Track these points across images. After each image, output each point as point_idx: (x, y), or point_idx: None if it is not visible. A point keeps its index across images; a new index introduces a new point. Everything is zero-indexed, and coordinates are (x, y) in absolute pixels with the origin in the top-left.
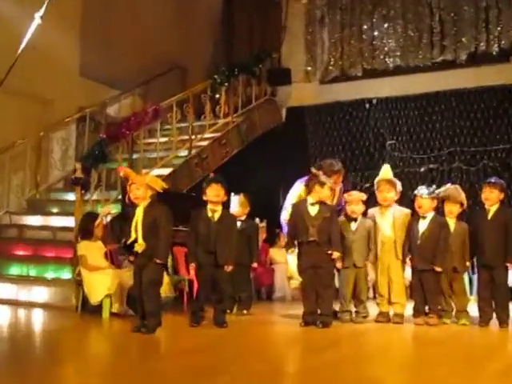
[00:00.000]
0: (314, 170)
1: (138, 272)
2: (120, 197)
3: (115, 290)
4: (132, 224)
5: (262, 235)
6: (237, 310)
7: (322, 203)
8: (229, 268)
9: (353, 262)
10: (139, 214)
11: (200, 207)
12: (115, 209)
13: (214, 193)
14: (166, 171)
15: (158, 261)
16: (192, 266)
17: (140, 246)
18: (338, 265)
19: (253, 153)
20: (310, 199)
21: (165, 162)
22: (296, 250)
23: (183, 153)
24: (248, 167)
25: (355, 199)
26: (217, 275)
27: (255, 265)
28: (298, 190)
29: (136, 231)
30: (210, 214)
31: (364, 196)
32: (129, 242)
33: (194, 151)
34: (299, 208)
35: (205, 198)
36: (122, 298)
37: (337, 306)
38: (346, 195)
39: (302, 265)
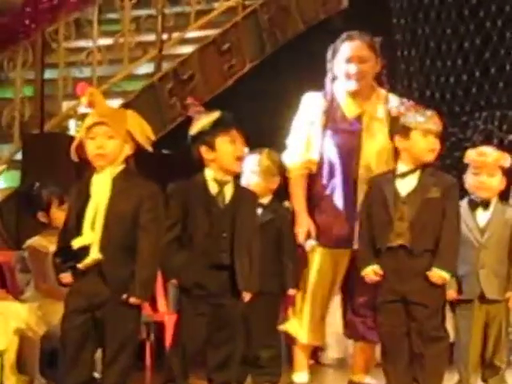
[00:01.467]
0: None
1: (81, 314)
2: (19, 156)
3: (8, 346)
4: (85, 212)
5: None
6: (253, 382)
7: (423, 169)
8: (247, 297)
9: (479, 292)
10: (101, 192)
11: (184, 178)
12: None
13: (230, 148)
14: (111, 104)
15: (132, 299)
16: (174, 282)
17: (94, 260)
18: (451, 296)
19: (283, 71)
20: (401, 164)
21: (109, 85)
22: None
23: (145, 68)
24: (272, 99)
25: (490, 162)
26: (220, 313)
27: (292, 292)
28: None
29: (92, 227)
30: (213, 191)
31: (508, 158)
32: (75, 247)
33: (166, 65)
34: (379, 186)
35: (208, 156)
36: (28, 362)
37: (451, 379)
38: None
39: (380, 297)
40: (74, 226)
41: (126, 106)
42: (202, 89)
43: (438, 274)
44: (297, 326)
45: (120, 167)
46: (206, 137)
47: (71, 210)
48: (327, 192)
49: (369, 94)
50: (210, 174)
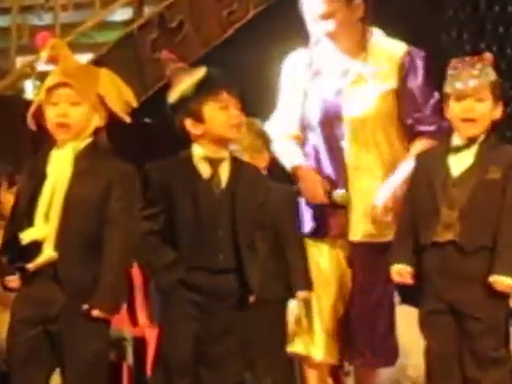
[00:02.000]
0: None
1: (31, 326)
2: None
3: None
4: (37, 195)
5: None
6: None
7: (483, 142)
8: (251, 299)
9: None
10: (60, 172)
11: (169, 155)
12: None
13: (222, 117)
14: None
15: (95, 312)
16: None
17: (47, 259)
18: None
19: (293, 19)
20: (456, 136)
21: (76, 36)
22: (408, 269)
23: (122, 15)
24: (281, 53)
25: None
26: (214, 323)
27: (304, 294)
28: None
29: (47, 217)
30: (205, 173)
31: None
32: (24, 241)
33: (148, 10)
34: (425, 162)
35: (196, 130)
36: None
37: None
38: None
39: (424, 305)
40: (23, 215)
41: (97, 62)
42: (194, 41)
43: (500, 281)
44: (307, 341)
45: (86, 141)
46: (191, 105)
47: (21, 194)
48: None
49: (354, 45)
50: (199, 150)
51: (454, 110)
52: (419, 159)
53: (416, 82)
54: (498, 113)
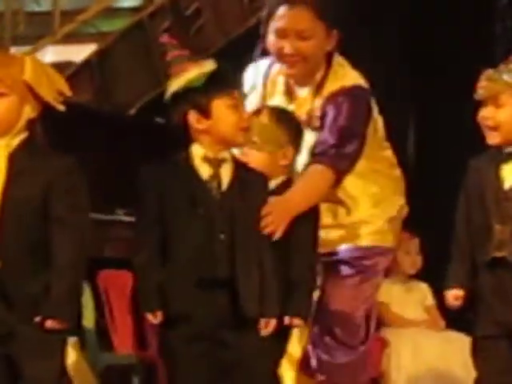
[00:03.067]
0: None
1: None
2: None
3: None
4: None
5: None
6: None
7: None
8: (269, 326)
9: None
10: None
11: (173, 157)
12: None
13: (231, 116)
14: (76, 52)
15: (49, 322)
16: (152, 317)
17: None
18: None
19: None
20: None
21: (78, 24)
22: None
23: (129, 1)
24: None
25: None
26: (222, 353)
27: (292, 321)
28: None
29: None
30: (205, 174)
31: None
32: None
33: None
34: (478, 172)
35: (200, 125)
36: None
37: None
38: None
39: (477, 330)
40: None
41: (101, 53)
42: (213, 30)
43: None
44: (286, 366)
45: (20, 137)
46: (198, 97)
47: None
48: None
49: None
50: (199, 150)
51: (479, 117)
52: (471, 169)
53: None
54: None
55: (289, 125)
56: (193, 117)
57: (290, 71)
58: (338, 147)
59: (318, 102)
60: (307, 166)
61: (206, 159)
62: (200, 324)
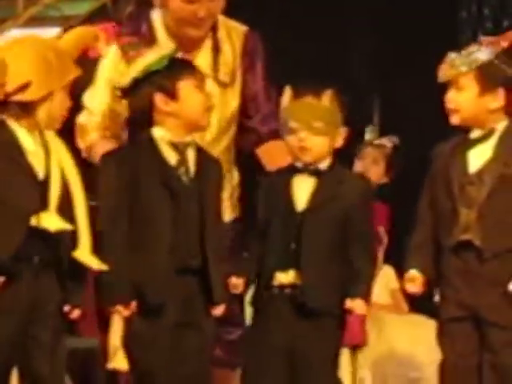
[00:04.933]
0: None
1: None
2: None
3: None
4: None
5: None
6: None
7: (504, 132)
8: (220, 309)
9: None
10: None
11: (131, 142)
12: None
13: (198, 97)
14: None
15: (67, 307)
16: (123, 309)
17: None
18: None
19: None
20: (475, 130)
21: (40, 8)
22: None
23: None
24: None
25: None
26: (185, 340)
27: (359, 307)
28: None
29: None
30: (172, 159)
31: None
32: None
33: None
34: (443, 157)
35: (166, 107)
36: None
37: None
38: None
39: (443, 313)
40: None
41: None
42: None
43: None
44: None
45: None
46: (163, 80)
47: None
48: None
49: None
50: (162, 133)
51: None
52: (436, 155)
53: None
54: (496, 103)
55: (342, 105)
56: (159, 99)
57: (197, 33)
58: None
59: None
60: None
61: (171, 143)
62: (174, 312)
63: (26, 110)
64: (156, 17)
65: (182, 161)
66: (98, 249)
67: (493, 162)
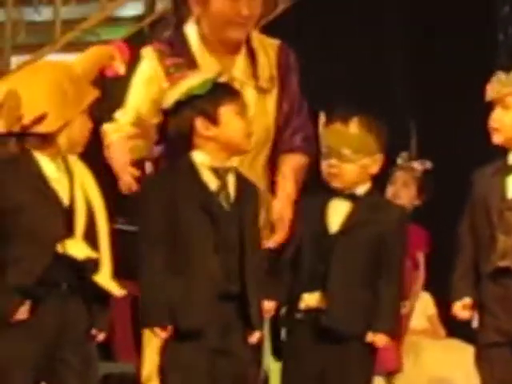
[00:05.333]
0: None
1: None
2: None
3: None
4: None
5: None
6: None
7: None
8: (256, 336)
9: None
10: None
11: (173, 167)
12: None
13: (239, 123)
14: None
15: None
16: (161, 332)
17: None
18: None
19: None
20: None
21: (79, 33)
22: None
23: (132, 9)
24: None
25: None
26: (227, 367)
27: (380, 339)
28: None
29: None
30: (213, 184)
31: None
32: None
33: (162, 5)
34: (482, 183)
35: (207, 132)
36: None
37: None
38: None
39: (481, 338)
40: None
41: None
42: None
43: None
44: None
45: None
46: (205, 104)
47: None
48: None
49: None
50: (203, 158)
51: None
52: (476, 179)
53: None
54: None
55: (378, 132)
56: (201, 123)
57: (239, 34)
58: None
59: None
60: (288, 155)
61: (212, 168)
62: (212, 338)
63: (46, 140)
64: (190, 30)
65: (223, 186)
66: (137, 273)
67: None
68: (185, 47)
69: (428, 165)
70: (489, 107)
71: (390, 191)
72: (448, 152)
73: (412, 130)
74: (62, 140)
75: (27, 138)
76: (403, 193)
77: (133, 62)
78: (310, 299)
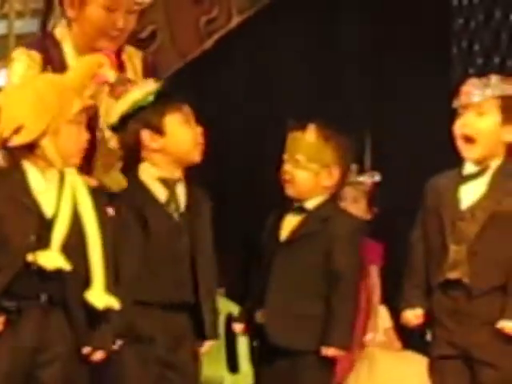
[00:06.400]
0: None
1: None
2: None
3: None
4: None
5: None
6: None
7: (499, 168)
8: (209, 345)
9: None
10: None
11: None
12: None
13: (186, 131)
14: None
15: (86, 349)
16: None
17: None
18: None
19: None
20: (468, 165)
21: None
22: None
23: None
24: (271, 67)
25: None
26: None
27: (328, 351)
28: None
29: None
30: (162, 196)
31: None
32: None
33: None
34: (436, 192)
35: (154, 144)
36: None
37: None
38: None
39: (434, 350)
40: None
41: None
42: (169, 52)
43: (502, 326)
44: None
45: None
46: (149, 115)
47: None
48: None
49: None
50: (151, 170)
51: (455, 127)
52: (429, 189)
53: None
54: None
55: (337, 143)
56: (146, 135)
57: (110, 45)
58: None
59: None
60: None
61: (162, 180)
62: (160, 346)
63: (31, 151)
64: (62, 34)
65: (172, 197)
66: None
67: (485, 198)
68: (56, 50)
69: (377, 177)
70: (448, 116)
71: None
72: (402, 163)
73: (366, 142)
74: (50, 150)
75: (13, 150)
76: (353, 209)
77: None
78: (258, 315)
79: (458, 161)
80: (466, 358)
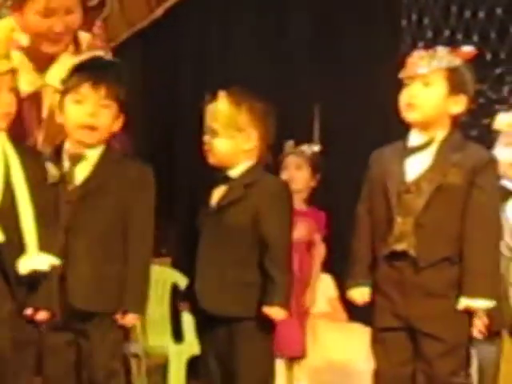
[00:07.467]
0: None
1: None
2: None
3: None
4: None
5: None
6: None
7: (445, 140)
8: (130, 318)
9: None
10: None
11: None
12: None
13: (74, 111)
14: None
15: (29, 310)
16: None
17: None
18: (480, 327)
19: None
20: (414, 134)
21: None
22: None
23: None
24: (223, 38)
25: None
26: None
27: (274, 312)
28: None
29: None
30: (65, 168)
31: None
32: None
33: None
34: (382, 164)
35: (60, 119)
36: None
37: None
38: None
39: (376, 322)
40: None
41: None
42: (117, 21)
43: (467, 306)
44: None
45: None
46: (60, 94)
47: None
48: None
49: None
50: (67, 144)
51: (401, 97)
52: (374, 161)
53: None
54: (458, 107)
55: (250, 107)
56: (56, 112)
57: (54, 49)
58: None
59: None
60: None
61: (69, 155)
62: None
63: None
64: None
65: (70, 171)
66: None
67: (431, 171)
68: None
69: (316, 148)
70: (396, 89)
71: (284, 176)
72: (349, 136)
73: (315, 116)
74: None
75: None
76: (297, 175)
77: None
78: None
79: (405, 133)
80: (410, 330)
